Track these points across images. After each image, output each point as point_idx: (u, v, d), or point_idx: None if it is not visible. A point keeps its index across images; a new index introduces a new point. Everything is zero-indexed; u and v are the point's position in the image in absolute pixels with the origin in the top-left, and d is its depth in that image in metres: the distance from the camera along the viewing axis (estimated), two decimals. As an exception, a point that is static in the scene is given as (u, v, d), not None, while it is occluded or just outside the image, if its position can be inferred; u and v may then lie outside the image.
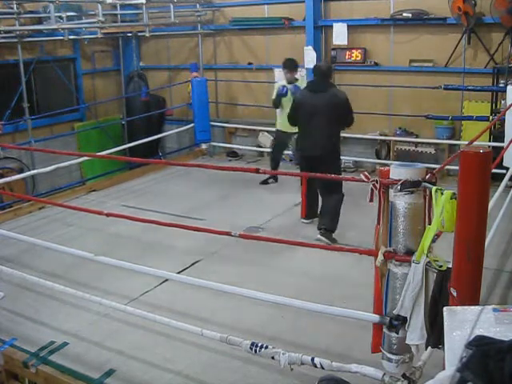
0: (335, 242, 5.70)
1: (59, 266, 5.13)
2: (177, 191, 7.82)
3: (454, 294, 2.39)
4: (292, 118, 6.09)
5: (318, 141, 5.69)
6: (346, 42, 8.64)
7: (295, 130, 6.45)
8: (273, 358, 3.01)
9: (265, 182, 7.93)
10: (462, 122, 8.06)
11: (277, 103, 7.41)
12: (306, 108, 5.78)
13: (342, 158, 6.39)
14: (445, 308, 1.74)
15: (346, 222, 6.22)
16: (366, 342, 3.03)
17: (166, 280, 4.71)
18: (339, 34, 8.61)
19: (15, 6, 8.32)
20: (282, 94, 7.28)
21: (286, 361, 2.95)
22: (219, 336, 3.27)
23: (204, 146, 9.74)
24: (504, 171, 5.35)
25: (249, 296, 3.55)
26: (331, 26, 8.73)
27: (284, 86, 7.30)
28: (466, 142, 4.93)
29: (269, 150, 9.48)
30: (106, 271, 4.72)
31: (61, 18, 8.62)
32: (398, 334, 2.79)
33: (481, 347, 1.36)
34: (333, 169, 5.58)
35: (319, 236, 5.70)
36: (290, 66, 7.36)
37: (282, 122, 7.44)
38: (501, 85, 7.39)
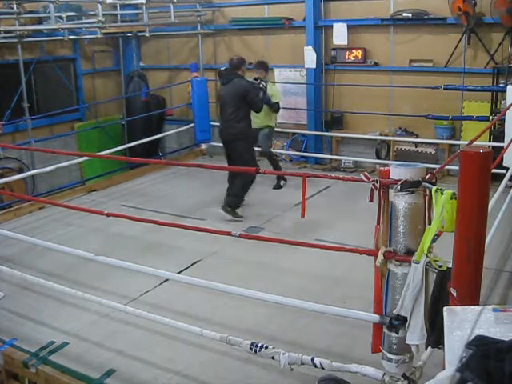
0: (237, 216, 6.34)
1: (59, 266, 5.13)
2: (177, 191, 7.81)
3: (454, 294, 2.38)
4: None
5: (225, 128, 6.41)
6: (345, 42, 8.65)
7: (257, 125, 7.25)
8: (273, 358, 3.01)
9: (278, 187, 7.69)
10: (462, 121, 8.05)
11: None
12: (218, 99, 6.58)
13: (340, 157, 6.23)
14: (445, 308, 1.74)
15: (346, 222, 6.23)
16: (366, 342, 3.03)
17: (166, 280, 4.71)
18: (339, 34, 8.61)
19: (15, 5, 8.33)
20: None
21: (286, 361, 2.95)
22: (219, 336, 3.27)
23: (204, 146, 9.74)
24: (504, 171, 5.34)
25: (249, 296, 3.55)
26: (331, 26, 8.73)
27: None
28: (466, 142, 4.92)
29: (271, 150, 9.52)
30: (107, 271, 4.72)
31: (61, 18, 8.63)
32: (398, 333, 2.78)
33: (481, 347, 1.36)
34: (241, 152, 6.32)
35: (219, 210, 6.37)
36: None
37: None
38: (501, 85, 7.38)
